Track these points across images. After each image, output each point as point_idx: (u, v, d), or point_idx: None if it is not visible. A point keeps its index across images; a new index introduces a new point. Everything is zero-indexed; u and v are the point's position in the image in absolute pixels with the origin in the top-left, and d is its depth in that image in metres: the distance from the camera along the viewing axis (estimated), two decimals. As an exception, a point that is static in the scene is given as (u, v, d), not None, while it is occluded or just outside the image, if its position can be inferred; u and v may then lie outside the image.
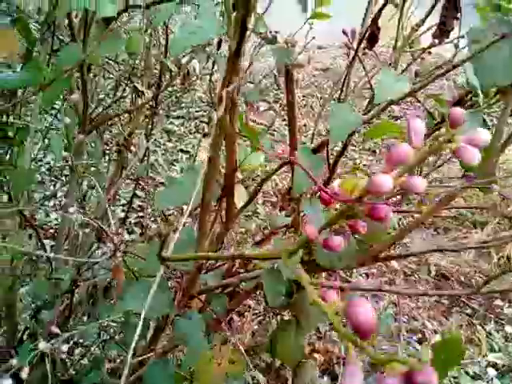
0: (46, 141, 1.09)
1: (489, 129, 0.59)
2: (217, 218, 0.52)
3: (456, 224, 2.07)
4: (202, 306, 0.57)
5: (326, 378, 1.31)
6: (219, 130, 0.36)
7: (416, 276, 1.82)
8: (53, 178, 2.07)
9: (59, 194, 1.83)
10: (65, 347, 0.46)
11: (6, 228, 0.66)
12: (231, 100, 0.36)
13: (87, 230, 1.05)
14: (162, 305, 0.46)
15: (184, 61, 1.22)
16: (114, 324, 0.95)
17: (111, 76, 1.36)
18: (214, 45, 1.12)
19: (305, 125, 2.77)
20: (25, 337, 0.95)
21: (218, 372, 0.53)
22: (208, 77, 1.40)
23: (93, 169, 1.03)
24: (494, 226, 1.97)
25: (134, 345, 0.32)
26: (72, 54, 0.58)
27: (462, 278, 1.80)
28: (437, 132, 0.21)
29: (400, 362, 0.18)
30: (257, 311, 1.55)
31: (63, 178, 2.05)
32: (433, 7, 0.57)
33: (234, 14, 0.30)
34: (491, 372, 1.42)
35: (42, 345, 0.44)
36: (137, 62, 1.21)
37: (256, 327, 1.49)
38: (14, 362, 0.46)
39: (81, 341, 1.13)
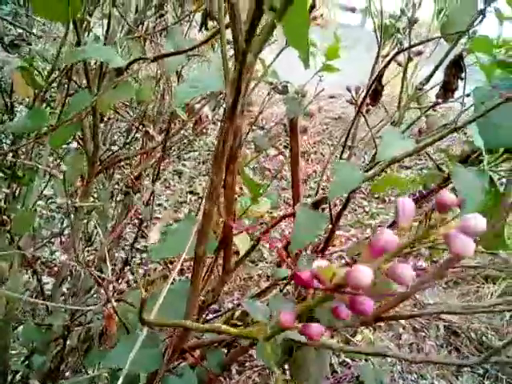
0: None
1: (496, 187, 0.57)
2: (213, 270, 0.51)
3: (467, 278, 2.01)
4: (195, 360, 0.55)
5: None
6: (216, 181, 0.35)
7: (425, 331, 1.76)
8: (62, 216, 2.08)
9: (66, 232, 1.83)
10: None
11: (1, 270, 0.65)
12: (230, 152, 0.36)
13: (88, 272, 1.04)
14: (151, 360, 0.44)
15: (197, 107, 1.25)
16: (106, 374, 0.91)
17: (124, 119, 1.39)
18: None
19: (315, 171, 2.79)
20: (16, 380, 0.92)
21: None
22: (220, 122, 1.42)
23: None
24: (507, 283, 1.92)
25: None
26: (82, 100, 0.59)
27: (473, 335, 1.73)
28: (429, 212, 0.20)
29: None
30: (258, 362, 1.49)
31: (72, 216, 2.06)
32: (437, 67, 0.58)
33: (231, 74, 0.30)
34: None
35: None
36: (150, 107, 1.24)
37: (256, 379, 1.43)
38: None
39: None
